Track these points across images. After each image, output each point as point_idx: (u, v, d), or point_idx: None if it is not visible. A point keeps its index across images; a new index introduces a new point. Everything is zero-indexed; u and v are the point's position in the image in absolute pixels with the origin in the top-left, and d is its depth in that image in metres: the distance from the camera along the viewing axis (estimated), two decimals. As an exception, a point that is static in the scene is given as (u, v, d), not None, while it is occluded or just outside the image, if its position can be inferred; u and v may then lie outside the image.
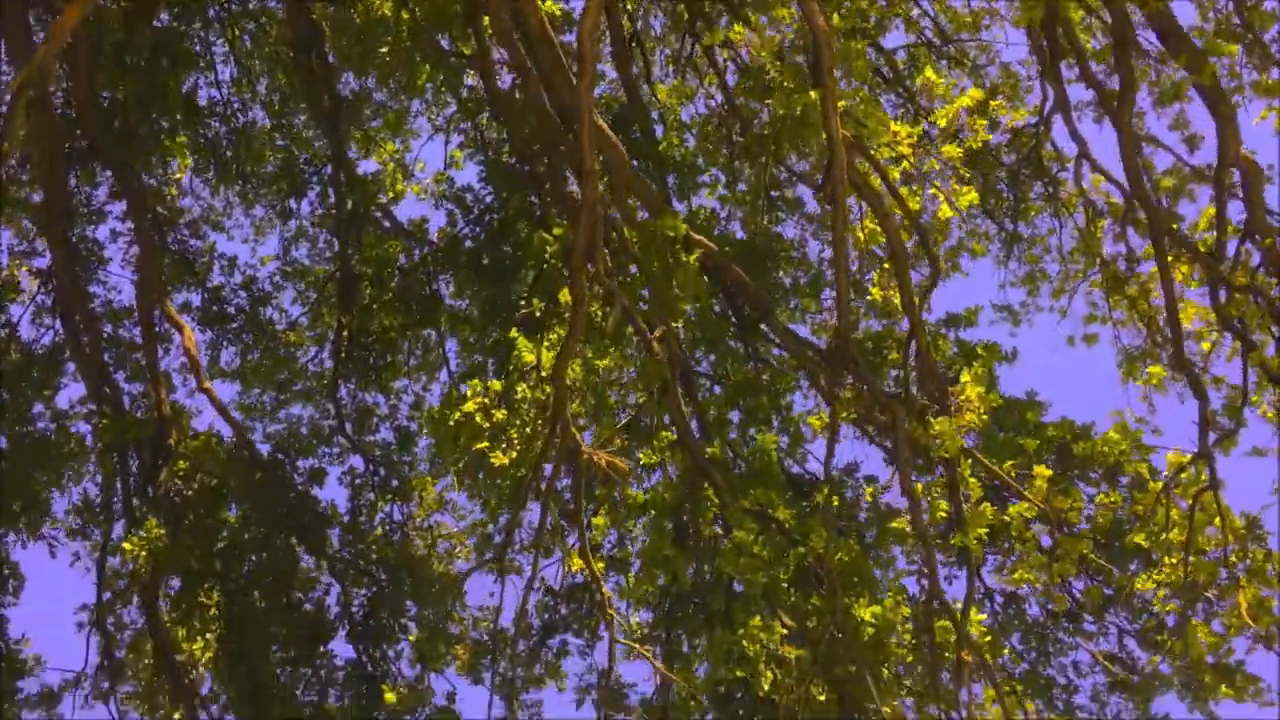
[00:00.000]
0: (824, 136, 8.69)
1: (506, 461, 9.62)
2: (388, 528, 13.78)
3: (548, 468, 11.06)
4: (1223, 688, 12.46)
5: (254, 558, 12.54)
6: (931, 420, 8.96)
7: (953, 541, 9.75)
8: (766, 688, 9.19)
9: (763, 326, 13.27)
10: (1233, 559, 11.85)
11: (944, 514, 9.50)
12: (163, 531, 11.95)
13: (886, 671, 9.56)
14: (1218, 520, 10.71)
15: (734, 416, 13.00)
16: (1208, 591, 12.01)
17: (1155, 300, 14.19)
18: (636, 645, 9.80)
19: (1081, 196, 14.58)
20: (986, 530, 9.31)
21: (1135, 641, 12.95)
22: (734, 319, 13.51)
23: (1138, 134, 13.16)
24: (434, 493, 14.95)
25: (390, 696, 11.82)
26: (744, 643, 9.19)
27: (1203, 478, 10.13)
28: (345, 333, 14.65)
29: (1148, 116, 14.37)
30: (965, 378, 9.35)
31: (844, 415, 11.82)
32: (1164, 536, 10.68)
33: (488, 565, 13.09)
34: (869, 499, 12.66)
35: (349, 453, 14.73)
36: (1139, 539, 10.54)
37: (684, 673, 10.05)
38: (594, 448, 9.54)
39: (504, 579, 12.59)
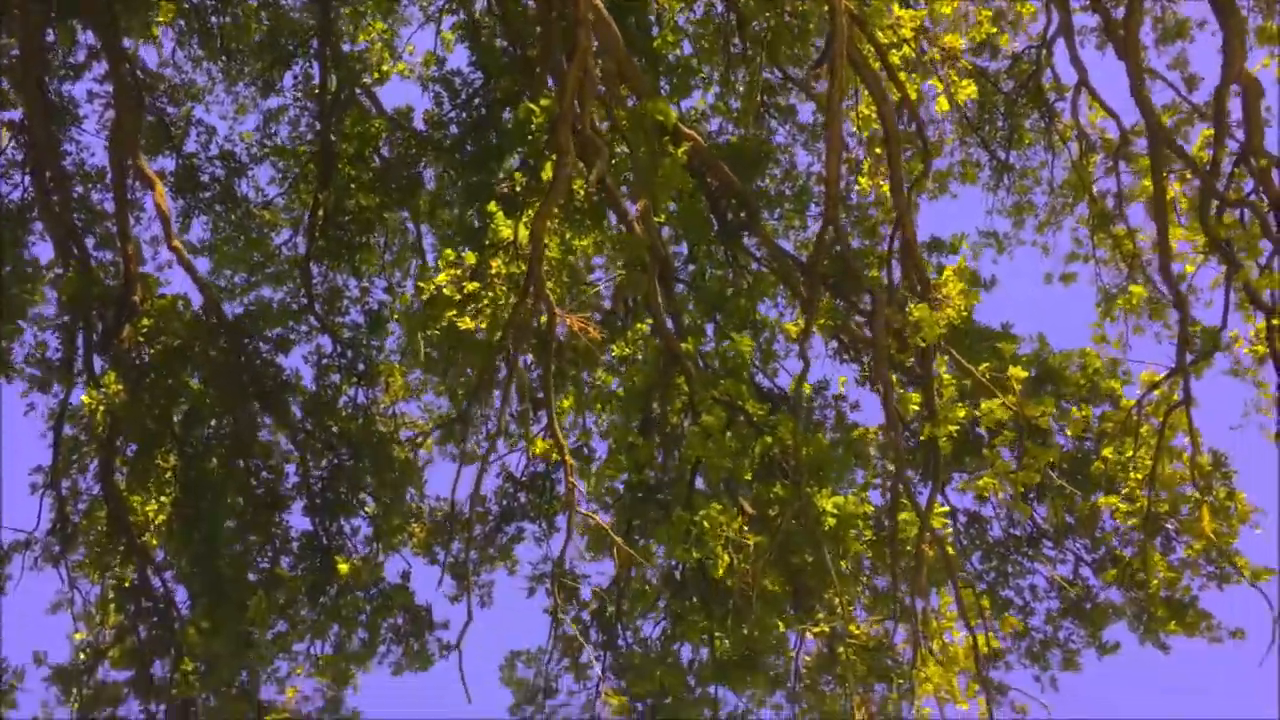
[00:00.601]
0: (826, 8, 8.46)
1: (474, 327, 9.42)
2: (352, 409, 13.59)
3: (519, 350, 10.92)
4: (1173, 623, 12.60)
5: (214, 423, 12.35)
6: (912, 308, 8.84)
7: (922, 436, 9.67)
8: (722, 572, 9.12)
9: (745, 234, 13.11)
10: (1196, 494, 11.90)
11: (916, 406, 9.41)
12: (122, 389, 11.73)
13: (845, 565, 9.51)
14: (1185, 447, 10.71)
15: (709, 328, 12.89)
16: (1168, 524, 12.07)
17: (1141, 242, 14.15)
18: (593, 517, 9.68)
19: (1076, 129, 14.44)
20: (955, 430, 9.22)
21: (1091, 570, 13.00)
22: (717, 223, 13.32)
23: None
24: (401, 381, 14.77)
25: (344, 567, 11.71)
26: (704, 524, 9.10)
27: (1174, 396, 10.08)
28: (321, 210, 14.36)
29: (1149, 53, 14.24)
30: (947, 272, 9.22)
31: (820, 323, 11.70)
32: (1131, 455, 10.66)
33: (448, 442, 13.01)
34: (837, 414, 12.63)
35: (317, 333, 14.50)
36: (1106, 453, 10.51)
37: (643, 551, 9.95)
38: (567, 312, 9.36)
39: (463, 467, 12.50)
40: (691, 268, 13.70)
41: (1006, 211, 15.17)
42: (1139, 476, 11.74)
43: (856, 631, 11.38)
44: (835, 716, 10.65)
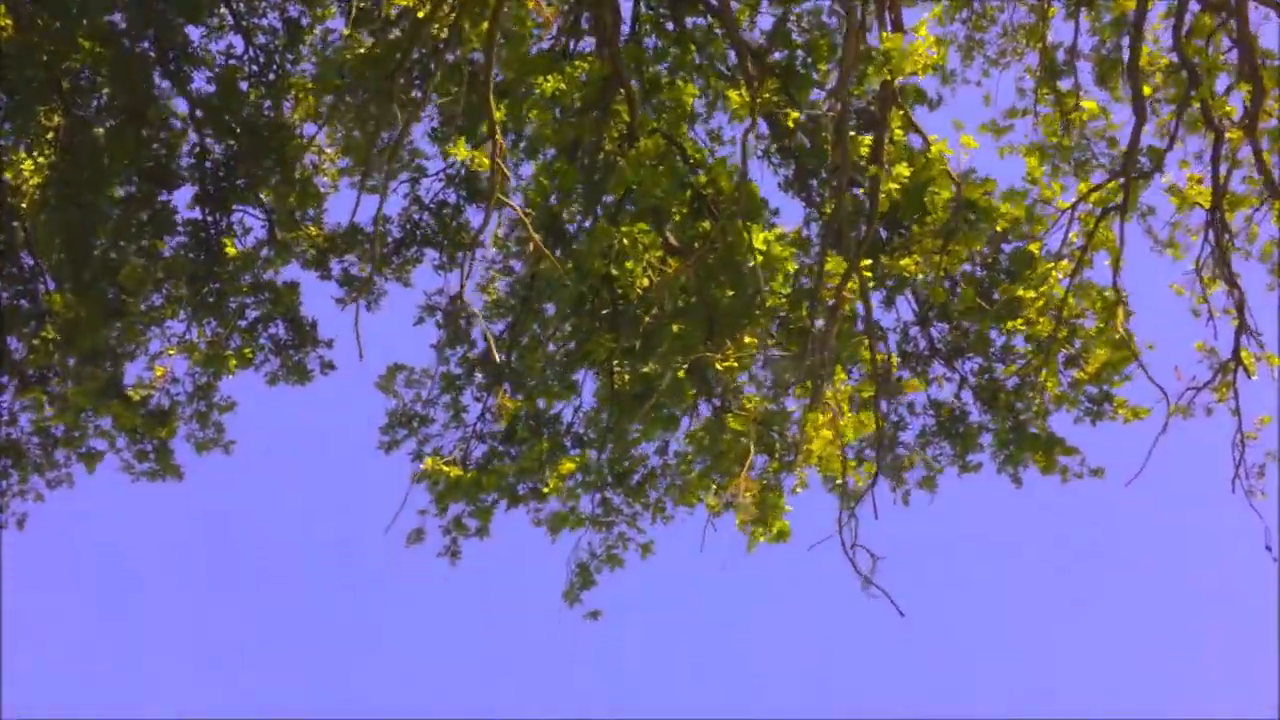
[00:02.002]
0: None
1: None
2: (256, 110, 12.71)
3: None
4: (1037, 455, 13.03)
5: (106, 86, 11.40)
6: (883, 36, 8.58)
7: (863, 182, 9.55)
8: (638, 293, 8.91)
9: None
10: (1094, 329, 12.21)
11: (867, 149, 9.24)
12: (10, 23, 10.70)
13: (761, 316, 9.42)
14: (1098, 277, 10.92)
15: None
16: (1061, 352, 12.38)
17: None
18: (515, 208, 9.29)
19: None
20: (897, 190, 9.10)
21: (972, 395, 13.30)
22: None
23: None
24: (313, 102, 13.94)
25: (231, 250, 11.08)
26: (625, 241, 8.84)
27: (1116, 197, 10.15)
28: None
29: None
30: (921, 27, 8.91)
31: (764, 97, 11.39)
32: (1045, 273, 10.81)
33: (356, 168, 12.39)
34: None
35: (230, 30, 13.49)
36: (1033, 250, 10.62)
37: (557, 266, 9.63)
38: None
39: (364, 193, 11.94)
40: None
41: (959, 45, 14.97)
42: (1041, 305, 11.97)
43: (749, 405, 11.45)
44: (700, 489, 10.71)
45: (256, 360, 11.92)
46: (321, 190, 13.37)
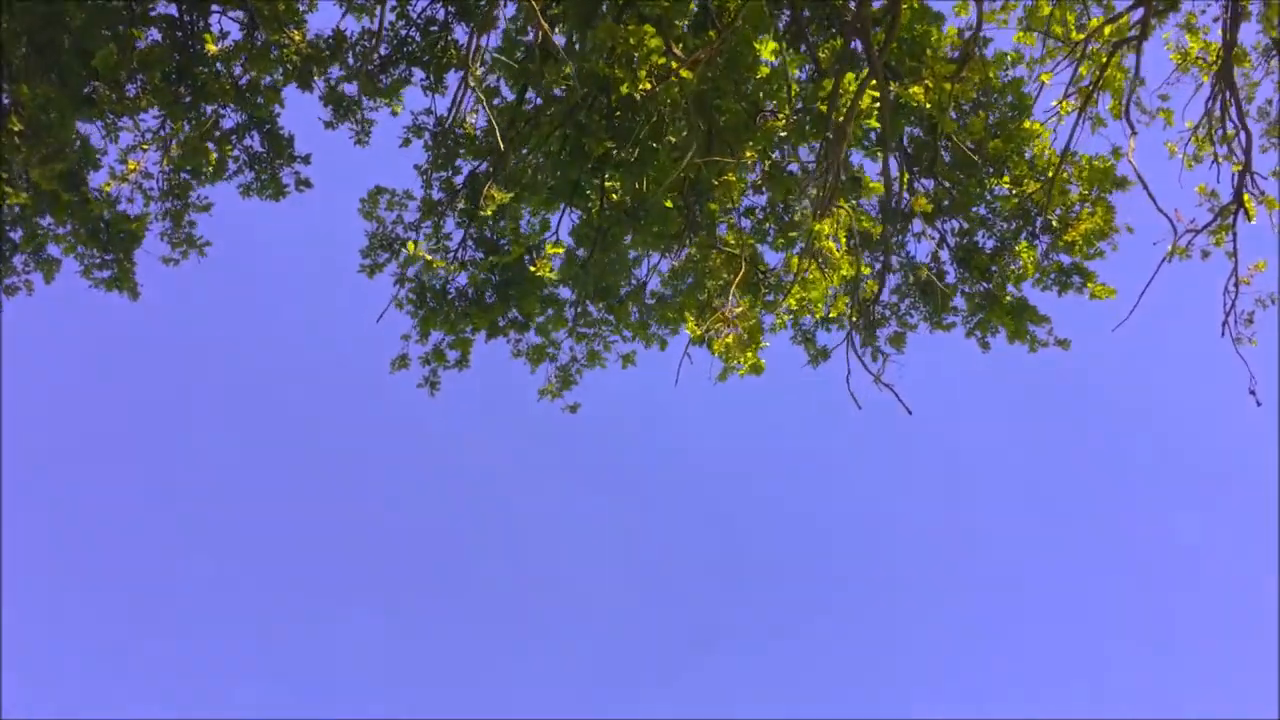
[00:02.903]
0: None
1: None
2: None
3: None
4: (1007, 320, 13.16)
5: None
6: None
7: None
8: (637, 98, 8.70)
9: None
10: (1079, 196, 12.25)
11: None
12: None
13: (761, 136, 9.25)
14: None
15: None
16: (1041, 217, 12.43)
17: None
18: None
19: None
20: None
21: (949, 255, 13.34)
22: None
23: None
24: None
25: (211, 46, 10.62)
26: (630, 40, 8.60)
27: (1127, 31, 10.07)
28: None
29: None
30: None
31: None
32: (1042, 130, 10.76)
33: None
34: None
35: None
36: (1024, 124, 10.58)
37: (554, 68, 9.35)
38: None
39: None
40: None
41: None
42: (1024, 166, 11.99)
43: (732, 242, 11.37)
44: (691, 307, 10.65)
45: (229, 171, 11.54)
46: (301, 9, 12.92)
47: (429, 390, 12.18)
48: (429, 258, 10.71)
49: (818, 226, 9.00)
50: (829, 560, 24.77)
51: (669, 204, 10.27)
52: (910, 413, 9.30)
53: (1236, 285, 11.03)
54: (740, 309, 9.96)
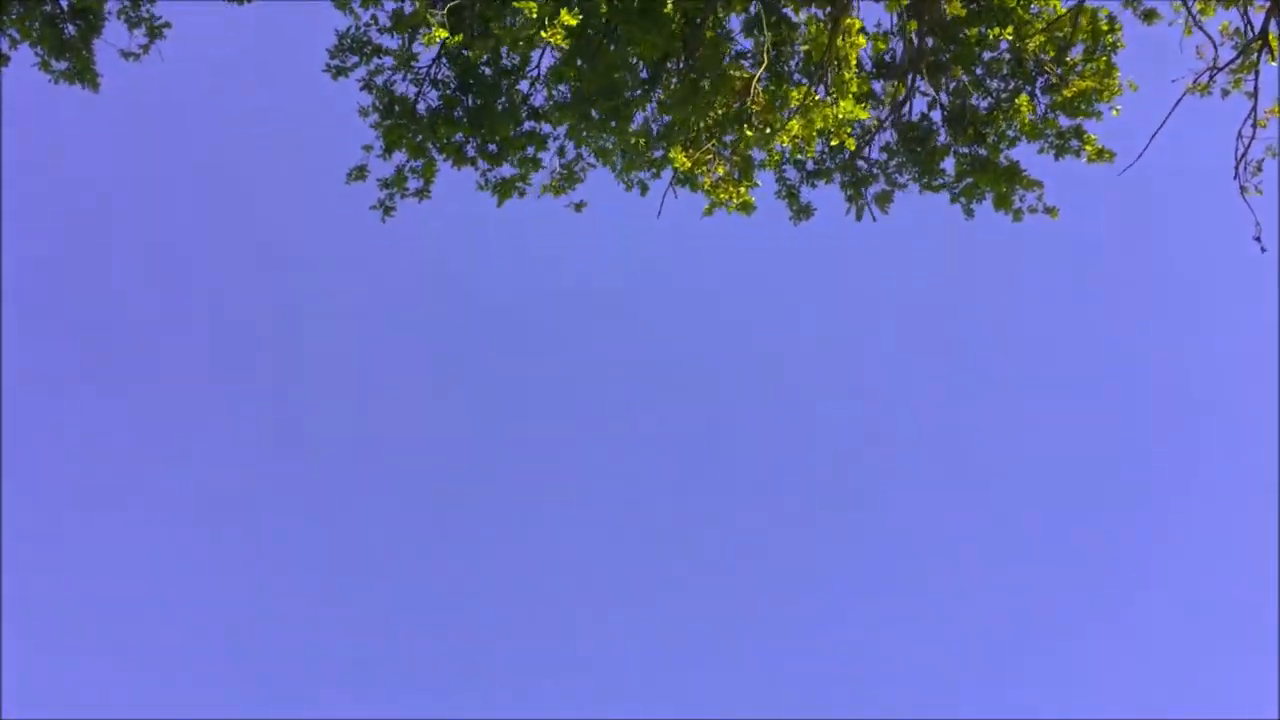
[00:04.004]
0: None
1: None
2: None
3: None
4: (998, 183, 12.78)
5: None
6: None
7: None
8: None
9: None
10: (1083, 55, 11.82)
11: None
12: None
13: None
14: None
15: None
16: (1042, 75, 11.99)
17: None
18: None
19: None
20: None
21: (942, 116, 12.88)
22: None
23: None
24: None
25: None
26: None
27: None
28: None
29: None
30: None
31: None
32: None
33: None
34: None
35: None
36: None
37: None
38: None
39: None
40: None
41: None
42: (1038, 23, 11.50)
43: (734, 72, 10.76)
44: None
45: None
46: None
47: (382, 214, 11.52)
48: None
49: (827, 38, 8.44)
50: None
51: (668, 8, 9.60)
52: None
53: (1254, 127, 10.69)
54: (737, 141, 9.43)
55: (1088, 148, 12.19)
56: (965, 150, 12.73)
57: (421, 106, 11.16)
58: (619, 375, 24.26)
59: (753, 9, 9.83)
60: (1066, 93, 11.63)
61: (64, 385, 21.83)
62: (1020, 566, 22.84)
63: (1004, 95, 12.43)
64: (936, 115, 12.81)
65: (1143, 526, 22.77)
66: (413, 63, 11.38)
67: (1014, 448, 23.42)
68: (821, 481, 23.65)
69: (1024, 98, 12.04)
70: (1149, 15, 11.10)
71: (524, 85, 11.30)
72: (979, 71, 12.49)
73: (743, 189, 9.91)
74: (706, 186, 9.98)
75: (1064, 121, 12.27)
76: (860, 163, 12.95)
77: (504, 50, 10.87)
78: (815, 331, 24.00)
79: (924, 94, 12.68)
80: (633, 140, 9.99)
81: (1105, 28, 11.63)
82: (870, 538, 23.26)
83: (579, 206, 10.91)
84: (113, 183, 21.86)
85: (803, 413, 23.87)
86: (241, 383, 22.80)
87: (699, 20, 9.61)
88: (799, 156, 10.85)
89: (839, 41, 8.69)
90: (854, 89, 9.49)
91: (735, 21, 10.98)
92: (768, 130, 10.07)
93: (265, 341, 22.94)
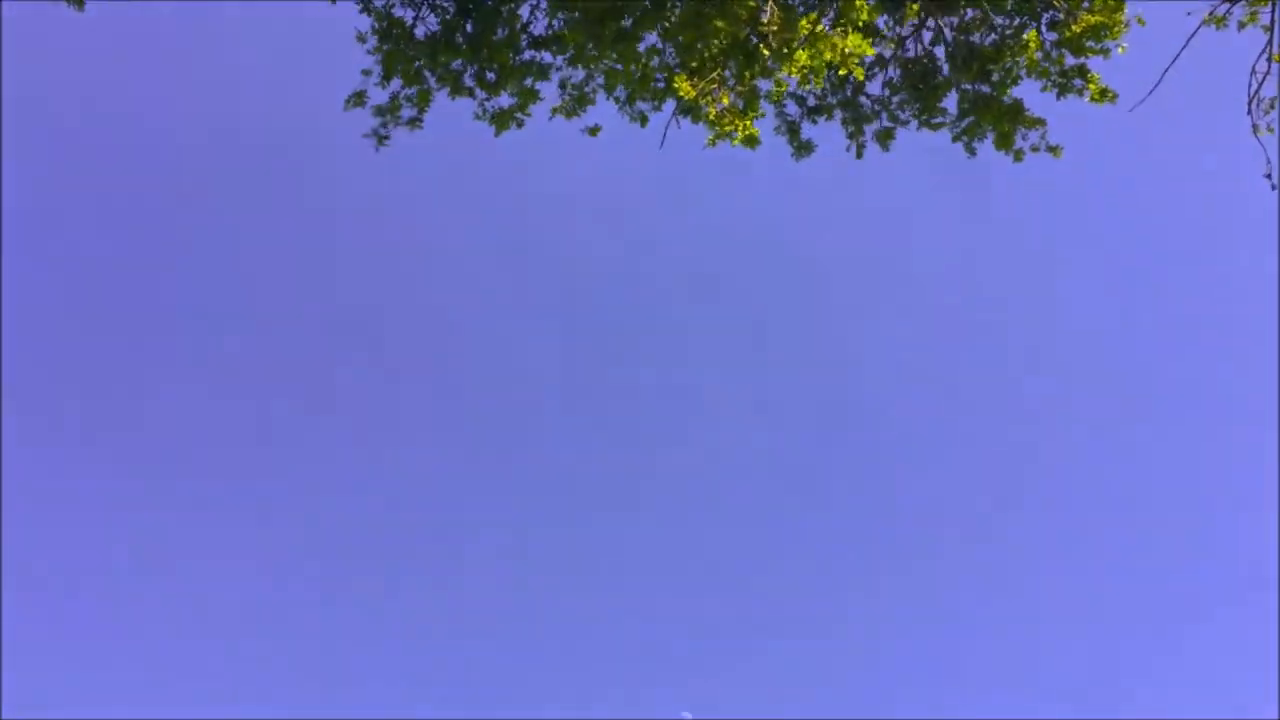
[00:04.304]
0: None
1: None
2: None
3: None
4: (1001, 122, 12.63)
5: None
6: None
7: None
8: None
9: None
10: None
11: None
12: None
13: None
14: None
15: None
16: (1055, 5, 11.77)
17: None
18: None
19: None
20: None
21: (945, 52, 12.68)
22: None
23: None
24: None
25: None
26: None
27: None
28: None
29: None
30: None
31: None
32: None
33: None
34: None
35: None
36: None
37: None
38: None
39: None
40: None
41: None
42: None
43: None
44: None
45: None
46: None
47: (375, 143, 11.28)
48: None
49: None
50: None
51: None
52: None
53: (1269, 62, 10.52)
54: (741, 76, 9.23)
55: (1091, 86, 12.03)
56: (969, 87, 12.56)
57: (420, 31, 10.89)
58: (614, 361, 24.16)
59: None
60: (1075, 28, 11.44)
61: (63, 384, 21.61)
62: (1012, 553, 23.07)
63: (1009, 32, 12.25)
64: (940, 51, 12.66)
65: (1143, 525, 22.96)
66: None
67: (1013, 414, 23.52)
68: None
69: (1033, 33, 11.85)
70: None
71: (524, 11, 11.04)
72: (988, 7, 12.30)
73: (748, 121, 9.73)
74: (711, 117, 9.79)
75: (1069, 60, 12.13)
76: (863, 99, 12.76)
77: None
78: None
79: (929, 28, 12.48)
80: (641, 62, 9.76)
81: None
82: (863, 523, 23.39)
83: (594, 131, 10.70)
84: (104, 101, 21.42)
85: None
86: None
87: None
88: (807, 87, 10.65)
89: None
90: (864, 17, 9.26)
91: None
92: (784, 51, 9.86)
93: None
